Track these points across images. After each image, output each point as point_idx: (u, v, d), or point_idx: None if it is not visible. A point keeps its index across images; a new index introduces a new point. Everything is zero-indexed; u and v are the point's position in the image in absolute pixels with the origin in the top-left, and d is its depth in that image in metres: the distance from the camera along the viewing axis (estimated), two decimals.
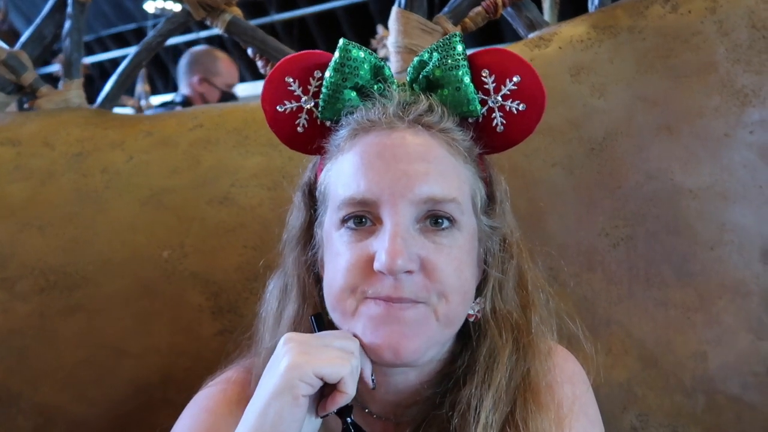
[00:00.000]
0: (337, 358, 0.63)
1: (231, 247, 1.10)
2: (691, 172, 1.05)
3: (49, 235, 1.10)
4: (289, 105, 0.77)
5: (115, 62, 7.88)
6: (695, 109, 1.07)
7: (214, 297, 1.09)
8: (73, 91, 1.25)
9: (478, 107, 0.73)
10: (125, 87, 1.32)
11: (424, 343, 0.67)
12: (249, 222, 1.10)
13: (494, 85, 0.72)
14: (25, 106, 1.30)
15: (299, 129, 0.77)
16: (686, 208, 1.04)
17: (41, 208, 1.11)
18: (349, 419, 0.65)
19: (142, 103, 3.86)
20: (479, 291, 0.74)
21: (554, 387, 0.70)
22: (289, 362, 0.62)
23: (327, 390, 0.64)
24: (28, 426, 1.06)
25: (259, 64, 1.28)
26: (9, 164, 1.13)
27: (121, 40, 9.37)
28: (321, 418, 0.65)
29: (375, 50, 3.10)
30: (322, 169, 0.77)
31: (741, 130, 1.05)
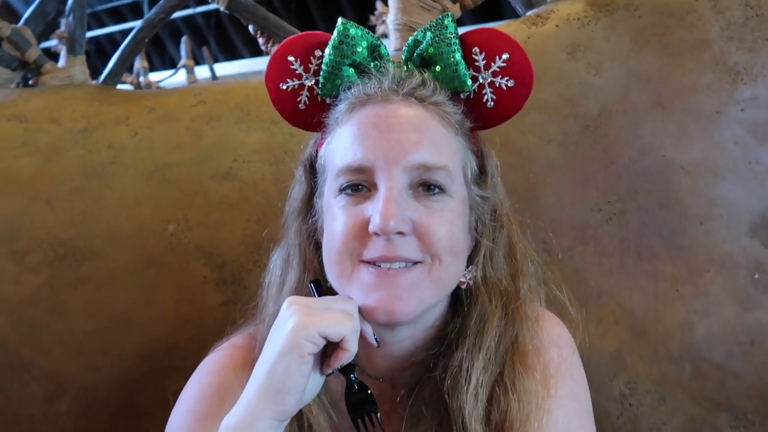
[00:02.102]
0: (339, 319, 0.67)
1: (234, 221, 1.13)
2: (683, 148, 1.08)
3: (57, 209, 1.13)
4: (292, 83, 0.80)
5: (111, 37, 7.79)
6: (688, 86, 1.09)
7: (219, 269, 1.12)
8: (77, 68, 1.27)
9: (469, 83, 0.76)
10: (128, 63, 1.34)
11: (417, 304, 0.71)
12: (252, 196, 1.13)
13: (484, 62, 0.76)
14: (30, 82, 1.32)
15: (301, 106, 0.81)
16: (677, 184, 1.07)
17: (48, 182, 1.14)
18: (352, 376, 0.69)
19: (141, 79, 3.85)
20: (471, 260, 0.78)
21: (541, 350, 0.74)
22: (295, 323, 0.66)
23: (330, 350, 0.68)
24: (40, 392, 1.10)
25: (261, 41, 1.29)
26: (16, 140, 1.15)
27: (117, 15, 9.27)
28: (326, 376, 0.69)
29: (374, 27, 3.09)
30: (322, 144, 0.81)
31: (732, 107, 1.07)
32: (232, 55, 6.87)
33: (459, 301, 0.78)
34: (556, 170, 1.09)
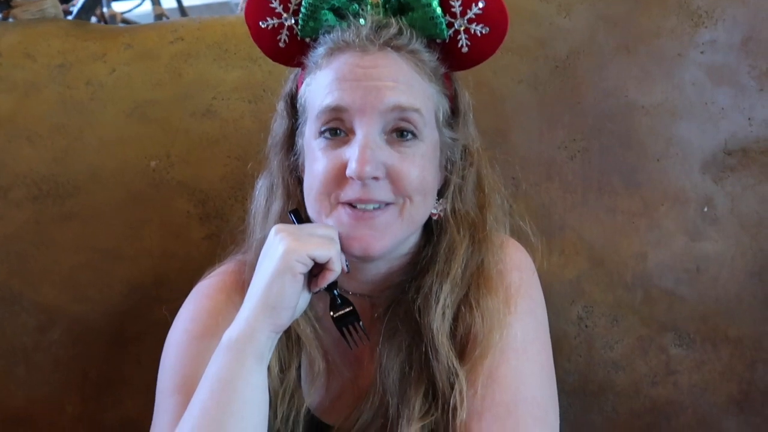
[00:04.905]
0: (324, 243, 0.74)
1: (215, 158, 1.16)
2: (644, 90, 1.14)
3: (38, 146, 1.14)
4: (271, 21, 0.82)
5: None
6: (653, 29, 1.14)
7: (202, 204, 1.16)
8: (49, 1, 1.25)
9: (445, 30, 0.80)
10: None
11: (390, 241, 0.77)
12: (232, 134, 1.16)
13: (461, 9, 0.79)
14: None
15: (281, 44, 0.84)
16: (638, 124, 1.13)
17: (28, 119, 1.15)
18: (335, 291, 0.78)
19: (105, 10, 3.70)
20: (441, 194, 0.84)
21: (504, 273, 0.81)
22: (286, 247, 0.72)
23: (315, 270, 0.75)
24: (31, 323, 1.15)
25: None
26: None
27: None
28: (313, 293, 0.76)
29: None
30: (302, 83, 0.84)
31: (693, 50, 1.13)
32: None
33: (430, 231, 0.85)
34: (525, 110, 1.14)
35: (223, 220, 1.15)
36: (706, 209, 1.12)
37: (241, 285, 0.79)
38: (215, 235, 1.14)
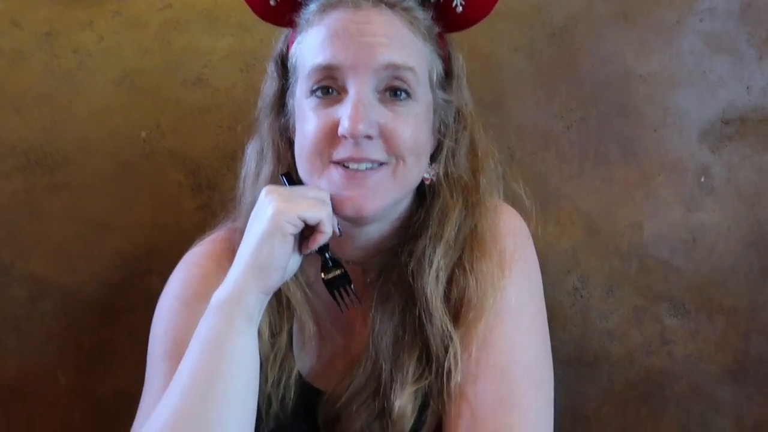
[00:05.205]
0: (315, 204, 0.72)
1: (206, 127, 1.14)
2: (642, 58, 1.12)
3: (26, 116, 1.12)
4: None
5: None
6: None
7: (193, 174, 1.14)
8: None
9: None
10: None
11: (383, 202, 0.76)
12: (223, 103, 1.14)
13: None
14: None
15: (272, 2, 0.82)
16: (636, 92, 1.12)
17: (15, 89, 1.13)
18: (327, 254, 0.76)
19: None
20: (434, 158, 0.83)
21: (498, 238, 0.80)
22: (276, 208, 0.70)
23: (307, 233, 0.73)
24: (22, 294, 1.14)
25: None
26: None
27: None
28: (304, 255, 0.75)
29: None
30: (293, 42, 0.82)
31: (692, 18, 1.11)
32: None
33: (423, 195, 0.83)
34: (521, 78, 1.12)
35: (215, 190, 1.14)
36: (703, 179, 1.11)
37: (231, 252, 0.77)
38: (207, 206, 1.13)
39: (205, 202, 1.13)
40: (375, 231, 0.82)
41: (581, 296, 1.12)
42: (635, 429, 1.12)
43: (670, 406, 1.11)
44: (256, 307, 0.71)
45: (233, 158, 1.11)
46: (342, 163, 0.75)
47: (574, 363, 1.12)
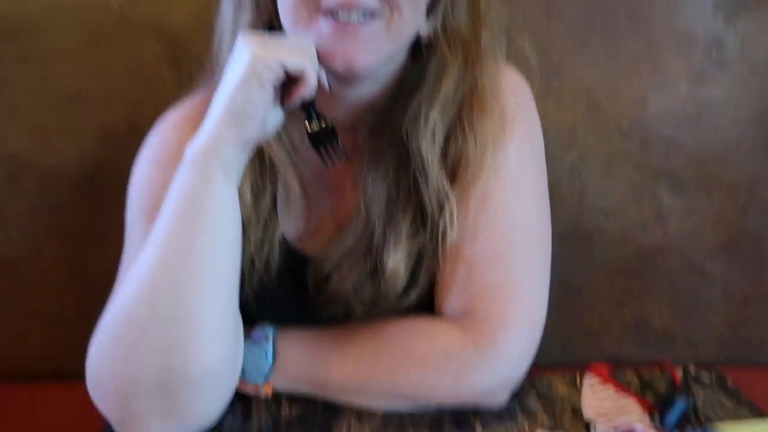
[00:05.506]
0: (298, 52, 0.66)
1: None
2: None
3: None
4: None
5: None
6: None
7: (171, 46, 1.07)
8: None
9: None
10: None
11: (376, 57, 0.69)
12: None
13: None
14: None
15: None
16: None
17: None
18: (312, 109, 0.69)
19: None
20: (432, 9, 0.75)
21: (499, 96, 0.75)
22: (253, 53, 0.64)
23: (290, 88, 0.67)
24: (1, 171, 1.10)
25: None
26: None
27: None
28: (287, 109, 0.69)
29: None
30: None
31: None
32: None
33: (419, 52, 0.76)
34: None
35: (195, 63, 1.07)
36: (714, 52, 1.05)
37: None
38: (187, 79, 1.06)
39: (186, 75, 1.06)
40: (366, 91, 0.75)
41: (579, 175, 1.09)
42: (624, 300, 1.14)
43: (660, 280, 1.12)
44: (233, 159, 0.66)
45: (212, 28, 1.04)
46: (332, 13, 0.67)
47: (567, 239, 1.11)
